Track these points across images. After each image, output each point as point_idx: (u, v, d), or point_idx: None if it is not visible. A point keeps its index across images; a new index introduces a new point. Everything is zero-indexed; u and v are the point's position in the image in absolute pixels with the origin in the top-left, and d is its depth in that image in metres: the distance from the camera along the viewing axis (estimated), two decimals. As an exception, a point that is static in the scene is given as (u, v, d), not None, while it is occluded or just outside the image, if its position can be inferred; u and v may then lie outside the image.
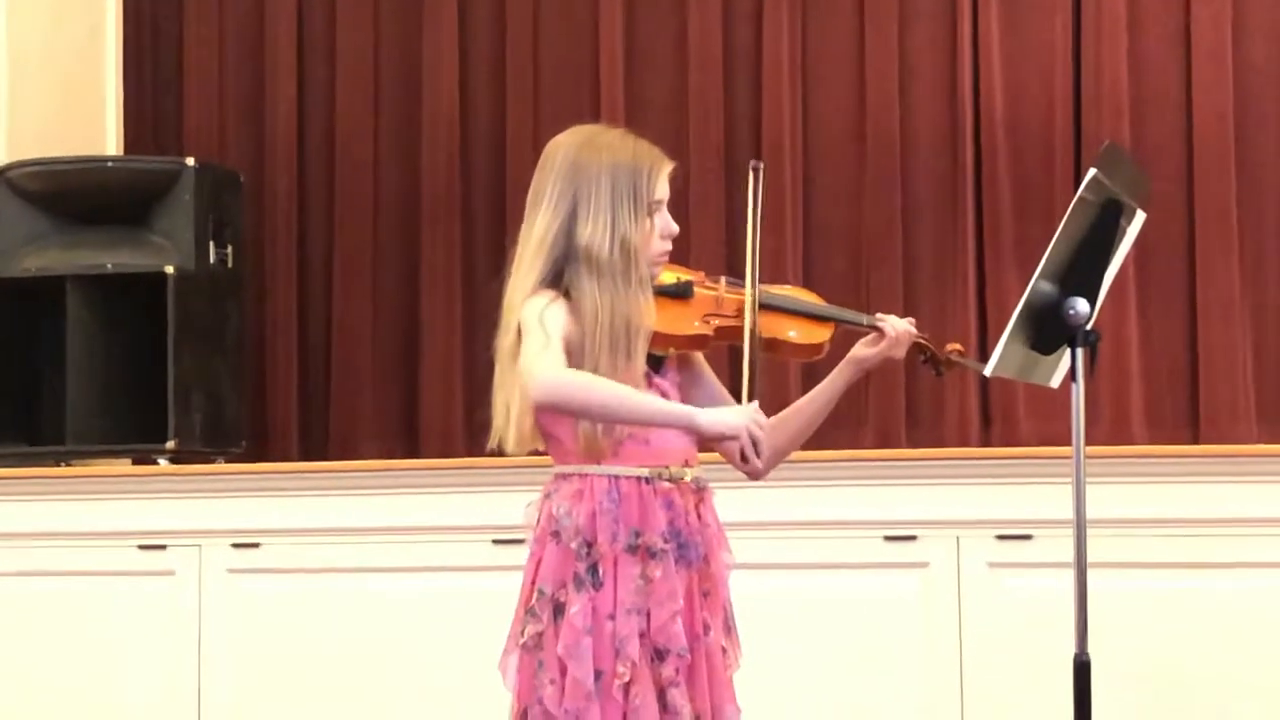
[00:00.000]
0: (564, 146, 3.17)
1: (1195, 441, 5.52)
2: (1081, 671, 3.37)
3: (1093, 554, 3.43)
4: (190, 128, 6.47)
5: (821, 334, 3.31)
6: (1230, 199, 5.57)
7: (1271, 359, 5.59)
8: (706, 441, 3.15)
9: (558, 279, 3.10)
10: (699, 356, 3.29)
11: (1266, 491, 4.72)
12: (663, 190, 3.16)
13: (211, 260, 5.80)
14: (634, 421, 3.07)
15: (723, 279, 3.28)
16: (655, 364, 3.17)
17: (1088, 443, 3.43)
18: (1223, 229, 5.57)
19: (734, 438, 3.04)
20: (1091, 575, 3.40)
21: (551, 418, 3.10)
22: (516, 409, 3.10)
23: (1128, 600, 4.70)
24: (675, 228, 3.18)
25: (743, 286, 3.24)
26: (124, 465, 5.86)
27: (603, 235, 3.09)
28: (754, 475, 3.18)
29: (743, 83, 6.01)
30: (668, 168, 3.18)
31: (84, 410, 5.72)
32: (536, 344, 3.00)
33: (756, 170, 3.25)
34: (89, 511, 5.41)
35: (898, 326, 3.30)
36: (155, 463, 5.64)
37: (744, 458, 3.07)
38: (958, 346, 3.44)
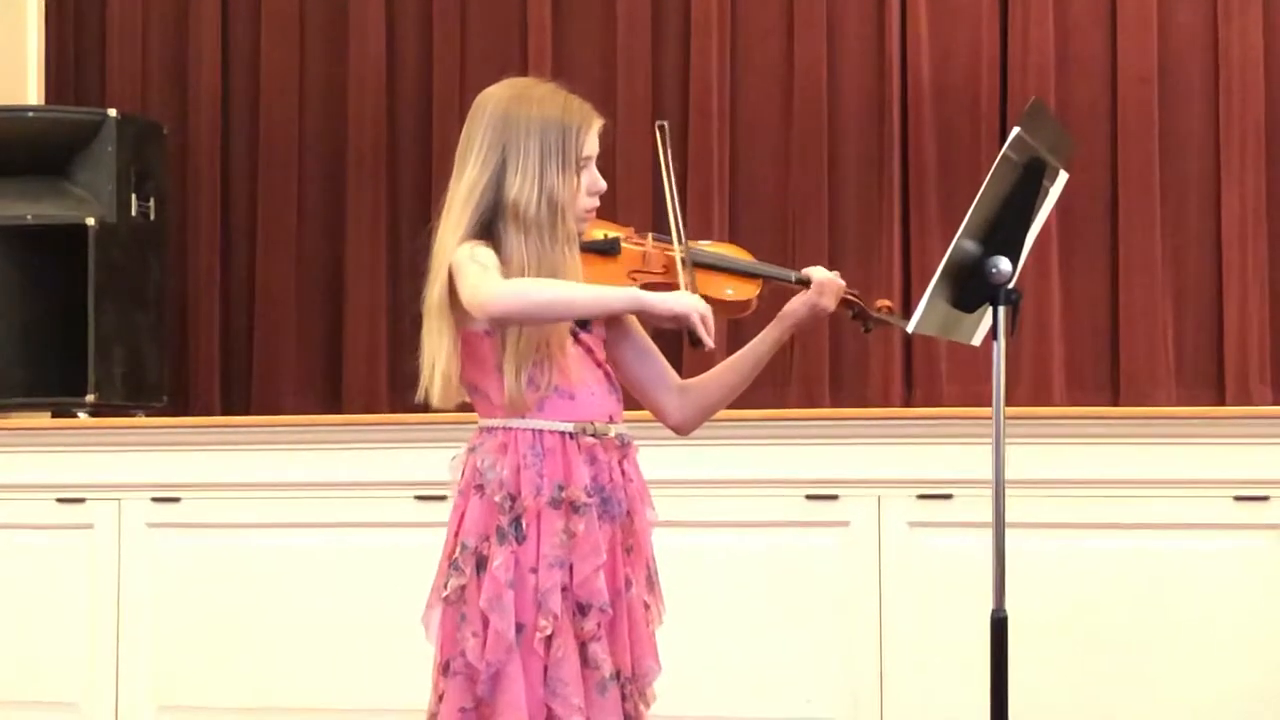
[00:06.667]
0: (495, 99, 3.15)
1: (1115, 403, 5.58)
2: (998, 628, 3.39)
3: (1011, 514, 3.45)
4: (113, 78, 6.41)
5: (750, 290, 3.32)
6: (1153, 162, 5.62)
7: (1191, 322, 5.64)
8: (656, 321, 3.12)
9: (486, 232, 3.09)
10: (628, 312, 3.28)
11: (1184, 453, 4.77)
12: (591, 147, 3.16)
13: (133, 212, 5.75)
14: (586, 313, 3.07)
15: (650, 235, 3.28)
16: (582, 321, 3.17)
17: (1008, 403, 3.45)
18: (1145, 192, 5.61)
19: (683, 315, 3.03)
20: (1010, 535, 3.43)
21: (477, 371, 3.09)
22: (442, 363, 3.09)
23: (1045, 559, 4.74)
24: (603, 184, 3.18)
25: (669, 241, 3.26)
26: (43, 418, 5.81)
27: (530, 191, 3.08)
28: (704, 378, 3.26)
29: (671, 40, 6.00)
30: (597, 124, 3.17)
31: (3, 362, 5.68)
32: (474, 273, 2.99)
33: (662, 129, 3.31)
34: (7, 464, 5.37)
35: (824, 275, 3.31)
36: (75, 415, 5.60)
37: (694, 340, 3.06)
38: (887, 303, 3.46)
